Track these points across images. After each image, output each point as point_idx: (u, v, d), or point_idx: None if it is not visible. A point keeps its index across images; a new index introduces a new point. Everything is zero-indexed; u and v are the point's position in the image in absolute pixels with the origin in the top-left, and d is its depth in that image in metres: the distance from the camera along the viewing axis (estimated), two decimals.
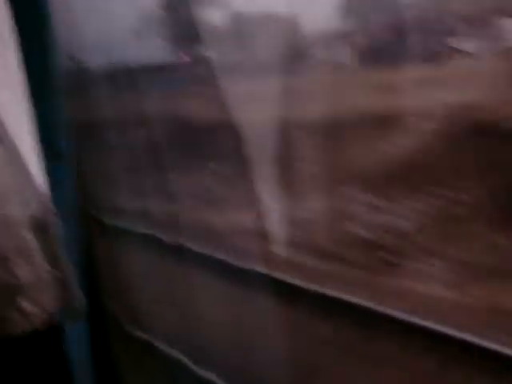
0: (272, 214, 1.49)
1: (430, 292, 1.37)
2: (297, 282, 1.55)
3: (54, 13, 1.13)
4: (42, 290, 0.87)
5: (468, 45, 1.40)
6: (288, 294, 1.57)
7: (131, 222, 2.05)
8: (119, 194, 2.07)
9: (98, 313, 1.94)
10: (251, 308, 1.64)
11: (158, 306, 1.96)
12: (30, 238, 0.87)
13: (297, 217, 1.51)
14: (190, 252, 1.77)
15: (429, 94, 1.33)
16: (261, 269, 1.60)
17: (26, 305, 0.85)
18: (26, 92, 0.89)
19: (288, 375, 1.49)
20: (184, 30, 1.75)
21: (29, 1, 1.04)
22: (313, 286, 1.50)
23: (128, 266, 2.09)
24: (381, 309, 1.36)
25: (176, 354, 1.82)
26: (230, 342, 1.70)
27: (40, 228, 0.89)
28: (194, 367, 1.74)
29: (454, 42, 1.42)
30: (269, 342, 1.56)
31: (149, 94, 1.70)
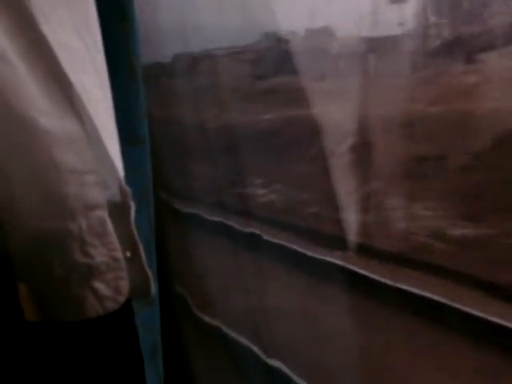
0: (348, 207, 1.45)
1: None
2: (370, 274, 1.50)
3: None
4: (116, 272, 0.85)
5: None
6: (362, 286, 1.53)
7: (204, 210, 2.04)
8: (193, 181, 2.06)
9: (168, 296, 1.94)
10: (323, 300, 1.62)
11: (228, 293, 1.95)
12: (106, 221, 0.84)
13: (373, 211, 1.46)
14: (263, 241, 1.74)
15: None
16: (334, 260, 1.57)
17: (100, 287, 0.83)
18: (107, 77, 0.86)
19: (356, 367, 1.45)
20: None
21: None
22: (385, 280, 1.45)
23: (199, 253, 2.09)
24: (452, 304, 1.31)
25: (243, 340, 1.81)
26: (299, 332, 1.67)
27: (117, 211, 0.86)
28: (260, 354, 1.72)
29: None
30: (340, 335, 1.53)
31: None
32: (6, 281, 0.82)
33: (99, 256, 0.83)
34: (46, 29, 0.79)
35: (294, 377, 1.62)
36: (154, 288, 0.90)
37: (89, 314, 0.83)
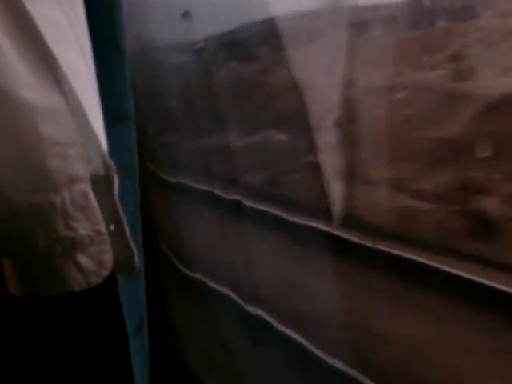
0: (331, 175, 1.43)
1: None
2: (350, 237, 1.49)
3: None
4: (99, 246, 0.82)
5: None
6: (338, 248, 1.52)
7: (189, 179, 2.02)
8: (179, 152, 2.04)
9: (154, 257, 1.94)
10: (303, 259, 1.61)
11: (212, 252, 1.95)
12: (89, 194, 0.81)
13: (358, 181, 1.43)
14: (246, 207, 1.73)
15: None
16: (315, 224, 1.56)
17: (83, 260, 0.81)
18: (90, 50, 0.82)
19: (336, 318, 1.45)
20: None
21: None
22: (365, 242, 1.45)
23: (184, 218, 2.08)
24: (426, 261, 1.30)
25: (225, 291, 1.82)
26: (279, 286, 1.68)
27: (100, 185, 0.83)
28: (242, 303, 1.73)
29: None
30: (318, 288, 1.53)
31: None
32: None
33: (82, 229, 0.80)
34: (29, 4, 0.75)
35: (274, 322, 1.63)
36: (138, 262, 0.87)
37: (72, 288, 0.80)
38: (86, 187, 0.81)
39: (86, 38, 0.85)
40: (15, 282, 0.80)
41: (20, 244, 0.79)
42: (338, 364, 1.44)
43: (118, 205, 0.84)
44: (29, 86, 0.75)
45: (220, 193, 1.84)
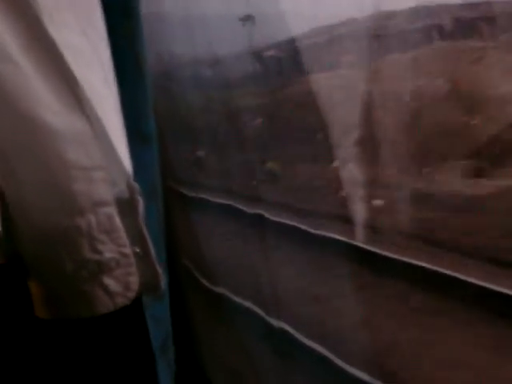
0: (352, 188, 1.43)
1: None
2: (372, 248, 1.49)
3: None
4: (125, 268, 0.82)
5: None
6: (361, 259, 1.52)
7: (211, 194, 2.02)
8: (200, 170, 2.05)
9: (175, 269, 1.93)
10: (326, 271, 1.61)
11: (234, 266, 1.95)
12: (115, 217, 0.81)
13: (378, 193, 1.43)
14: (268, 220, 1.73)
15: None
16: (336, 235, 1.56)
17: (109, 282, 0.81)
18: (113, 74, 0.82)
19: (360, 334, 1.44)
20: None
21: None
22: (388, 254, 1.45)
23: (206, 233, 2.08)
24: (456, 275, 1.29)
25: (249, 304, 1.81)
26: (303, 298, 1.67)
27: (125, 208, 0.83)
28: (266, 317, 1.72)
29: None
30: (342, 302, 1.52)
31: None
32: (17, 278, 0.79)
33: (108, 252, 0.80)
34: (52, 28, 0.76)
35: (297, 335, 1.62)
36: (163, 283, 0.87)
37: (99, 311, 0.80)
38: (111, 210, 0.81)
39: (108, 61, 0.86)
40: (42, 304, 0.80)
41: (47, 267, 0.79)
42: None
43: (143, 227, 0.84)
44: (53, 111, 0.76)
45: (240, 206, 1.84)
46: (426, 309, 1.41)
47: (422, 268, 1.43)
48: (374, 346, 1.43)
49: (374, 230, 1.47)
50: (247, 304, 1.85)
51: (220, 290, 1.99)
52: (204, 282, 2.10)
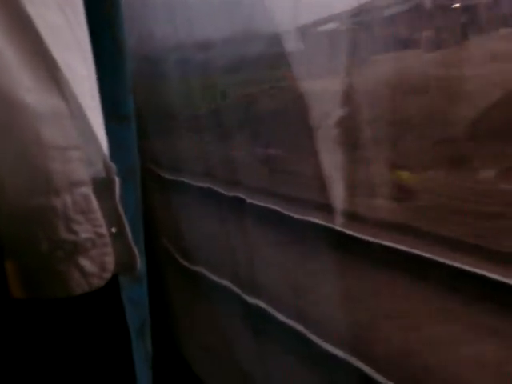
0: (332, 170, 1.41)
1: None
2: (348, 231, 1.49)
3: None
4: (101, 248, 0.81)
5: None
6: (337, 242, 1.52)
7: (190, 177, 2.01)
8: (179, 152, 2.03)
9: (155, 252, 1.93)
10: (303, 252, 1.61)
11: (213, 246, 1.95)
12: (91, 197, 0.80)
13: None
14: (247, 203, 1.72)
15: None
16: (316, 220, 1.55)
17: (85, 263, 0.80)
18: (91, 54, 0.80)
19: (337, 311, 1.45)
20: None
21: None
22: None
23: (185, 214, 2.08)
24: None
25: (226, 282, 1.82)
26: (279, 278, 1.67)
27: (102, 188, 0.82)
28: (242, 295, 1.72)
29: None
30: (319, 282, 1.52)
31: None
32: None
33: (84, 232, 0.79)
34: (30, 7, 0.74)
35: (272, 311, 1.63)
36: (140, 264, 0.86)
37: (75, 291, 0.79)
38: (88, 190, 0.80)
39: (86, 41, 0.84)
40: (18, 284, 0.79)
41: (22, 247, 0.78)
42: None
43: (120, 207, 0.83)
44: (29, 90, 0.74)
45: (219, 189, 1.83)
46: (401, 288, 1.43)
47: (398, 251, 1.44)
48: (349, 323, 1.43)
49: (353, 216, 1.47)
50: (224, 282, 1.85)
51: (198, 268, 1.99)
52: (182, 261, 2.10)
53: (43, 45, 0.75)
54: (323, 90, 1.41)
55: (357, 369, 1.36)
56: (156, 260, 1.94)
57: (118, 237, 0.84)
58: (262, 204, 1.74)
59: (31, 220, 0.77)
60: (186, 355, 2.14)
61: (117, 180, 0.83)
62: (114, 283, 0.85)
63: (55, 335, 0.82)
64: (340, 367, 1.42)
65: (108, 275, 0.81)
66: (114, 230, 0.83)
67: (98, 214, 0.80)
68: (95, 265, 0.80)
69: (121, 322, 0.90)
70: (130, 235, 0.85)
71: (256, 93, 1.57)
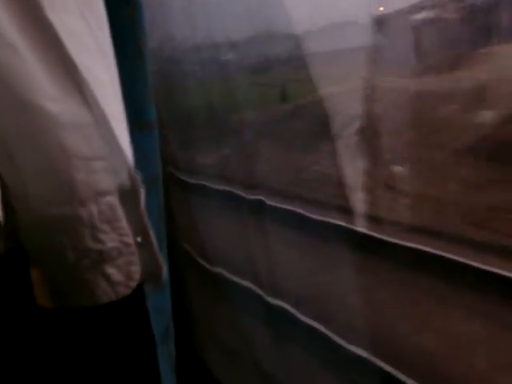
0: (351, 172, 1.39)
1: None
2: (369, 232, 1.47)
3: None
4: (127, 257, 0.80)
5: None
6: (358, 243, 1.50)
7: (211, 181, 2.00)
8: (200, 156, 2.03)
9: (176, 255, 1.93)
10: (324, 254, 1.60)
11: (233, 248, 1.94)
12: (116, 207, 0.79)
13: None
14: (266, 205, 1.71)
15: None
16: (335, 221, 1.54)
17: (111, 272, 0.79)
18: (113, 60, 0.79)
19: (357, 312, 1.44)
20: None
21: None
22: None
23: (206, 217, 2.07)
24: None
25: (246, 283, 1.81)
26: (301, 279, 1.66)
27: (127, 197, 0.81)
28: (264, 295, 1.71)
29: None
30: (340, 283, 1.51)
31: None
32: (20, 267, 0.77)
33: (110, 241, 0.78)
34: (52, 15, 0.74)
35: (295, 313, 1.62)
36: (164, 272, 0.85)
37: (101, 300, 0.79)
38: (113, 200, 0.79)
39: (108, 47, 0.83)
40: (44, 293, 0.79)
41: (48, 256, 0.78)
42: None
43: (145, 217, 0.83)
44: (54, 99, 0.74)
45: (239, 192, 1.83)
46: (424, 291, 1.41)
47: (417, 251, 1.43)
48: (371, 324, 1.42)
49: (373, 218, 1.45)
50: (245, 283, 1.84)
51: (218, 270, 1.99)
52: (203, 263, 2.10)
53: (65, 51, 0.74)
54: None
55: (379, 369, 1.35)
56: (177, 263, 1.94)
57: (144, 246, 0.83)
58: (282, 206, 1.74)
59: (57, 229, 0.77)
60: (206, 359, 2.14)
61: (142, 189, 0.83)
62: (139, 291, 0.84)
63: (82, 344, 0.82)
64: (362, 368, 1.41)
65: (134, 284, 0.81)
66: (139, 239, 0.83)
67: (124, 223, 0.80)
68: (121, 273, 0.80)
69: (146, 329, 0.90)
70: (155, 244, 0.84)
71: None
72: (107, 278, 0.79)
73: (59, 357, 0.81)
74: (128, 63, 0.95)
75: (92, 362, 0.82)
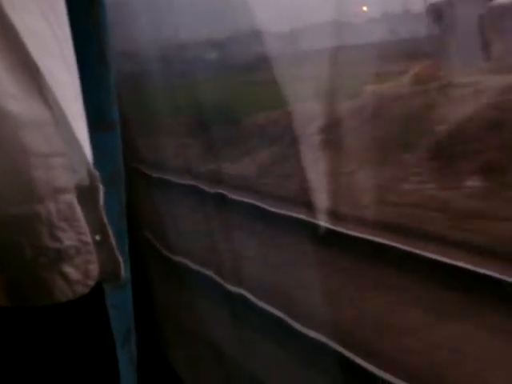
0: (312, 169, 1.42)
1: None
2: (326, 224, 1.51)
3: None
4: (85, 256, 0.80)
5: None
6: (311, 233, 1.53)
7: (174, 175, 2.01)
8: (163, 150, 2.03)
9: (140, 246, 1.93)
10: (283, 244, 1.62)
11: (195, 238, 1.95)
12: (75, 205, 0.79)
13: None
14: (228, 199, 1.73)
15: None
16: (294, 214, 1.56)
17: (69, 270, 0.79)
18: (74, 61, 0.79)
19: (315, 297, 1.46)
20: None
21: None
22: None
23: (169, 209, 2.08)
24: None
25: (207, 272, 1.82)
26: (260, 268, 1.68)
27: (85, 195, 0.81)
28: (224, 283, 1.73)
29: None
30: (300, 272, 1.54)
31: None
32: None
33: (68, 240, 0.78)
34: (12, 12, 0.73)
35: (255, 300, 1.64)
36: (124, 271, 0.86)
37: (58, 298, 0.79)
38: (71, 198, 0.79)
39: (69, 48, 0.83)
40: (2, 292, 0.78)
41: (6, 255, 0.77)
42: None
43: (104, 215, 0.83)
44: (13, 97, 0.74)
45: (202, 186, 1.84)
46: (376, 279, 1.45)
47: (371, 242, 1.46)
48: (330, 309, 1.45)
49: (334, 214, 1.48)
50: (206, 272, 1.85)
51: (180, 258, 1.99)
52: (165, 252, 2.10)
53: (26, 52, 0.74)
54: None
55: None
56: (141, 255, 1.94)
57: (102, 244, 0.83)
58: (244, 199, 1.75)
59: (14, 227, 0.76)
60: (169, 354, 2.14)
61: (100, 188, 0.83)
62: (98, 290, 0.84)
63: (40, 342, 0.82)
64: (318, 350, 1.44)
65: (92, 283, 0.81)
66: (98, 237, 0.83)
67: (82, 222, 0.80)
68: (79, 272, 0.80)
69: (105, 328, 0.90)
70: (114, 243, 0.84)
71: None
72: (65, 276, 0.78)
73: (16, 356, 0.80)
74: (91, 65, 0.95)
75: (49, 361, 0.82)
